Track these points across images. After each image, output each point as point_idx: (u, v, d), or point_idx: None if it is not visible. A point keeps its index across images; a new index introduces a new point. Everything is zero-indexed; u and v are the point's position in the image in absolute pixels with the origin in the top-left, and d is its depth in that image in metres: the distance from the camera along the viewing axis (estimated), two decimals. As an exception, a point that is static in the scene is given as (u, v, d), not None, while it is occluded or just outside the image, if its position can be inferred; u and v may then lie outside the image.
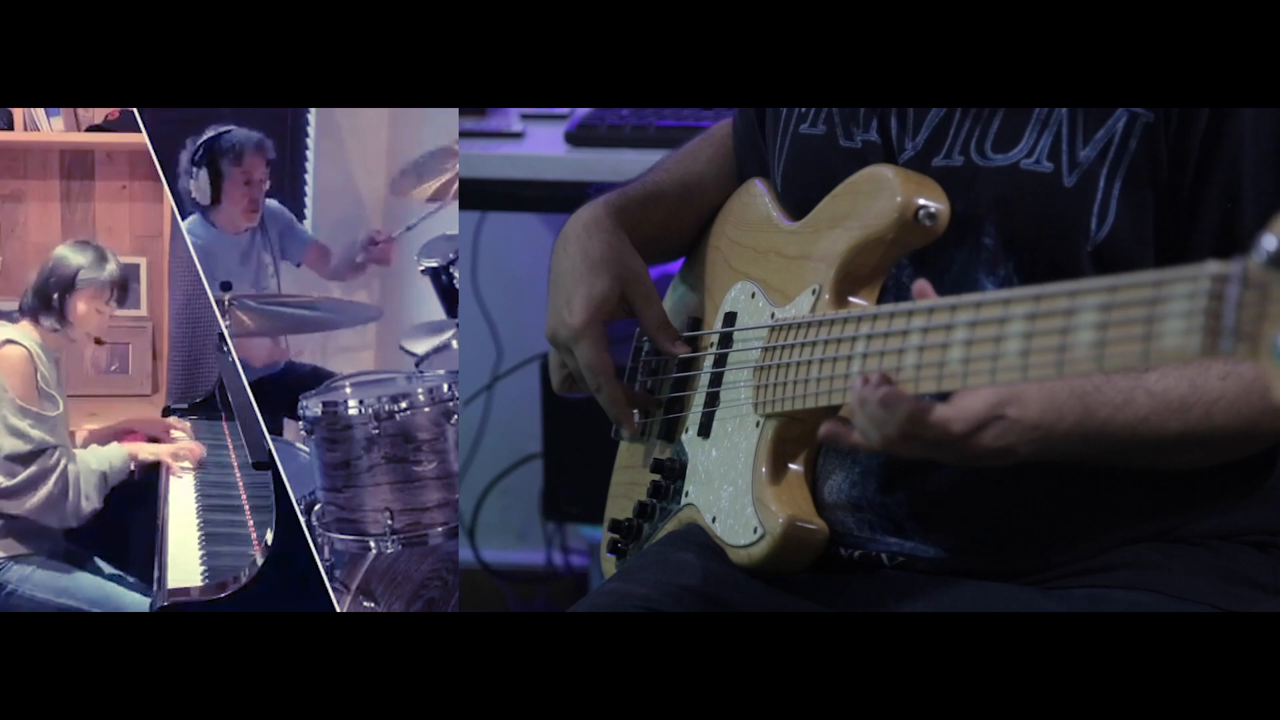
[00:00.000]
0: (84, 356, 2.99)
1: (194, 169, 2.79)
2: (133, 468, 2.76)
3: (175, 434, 2.91)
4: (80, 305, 2.74)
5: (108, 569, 2.75)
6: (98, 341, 2.90)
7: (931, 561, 1.53)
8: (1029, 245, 1.47)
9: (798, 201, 1.61)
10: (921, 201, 1.46)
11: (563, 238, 1.70)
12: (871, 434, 1.36)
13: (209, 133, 2.79)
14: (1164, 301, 1.11)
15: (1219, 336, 1.08)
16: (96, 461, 2.71)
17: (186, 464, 2.81)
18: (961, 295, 1.30)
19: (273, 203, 2.89)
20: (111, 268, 2.78)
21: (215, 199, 2.81)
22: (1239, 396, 1.39)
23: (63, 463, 2.65)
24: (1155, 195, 1.44)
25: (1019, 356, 1.23)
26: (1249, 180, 1.42)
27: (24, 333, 2.72)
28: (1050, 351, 1.20)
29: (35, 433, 2.64)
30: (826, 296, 1.51)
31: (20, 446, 2.63)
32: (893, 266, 1.52)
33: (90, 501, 2.69)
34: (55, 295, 2.72)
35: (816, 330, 1.47)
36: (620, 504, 1.77)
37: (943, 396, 1.35)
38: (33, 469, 2.63)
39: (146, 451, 2.80)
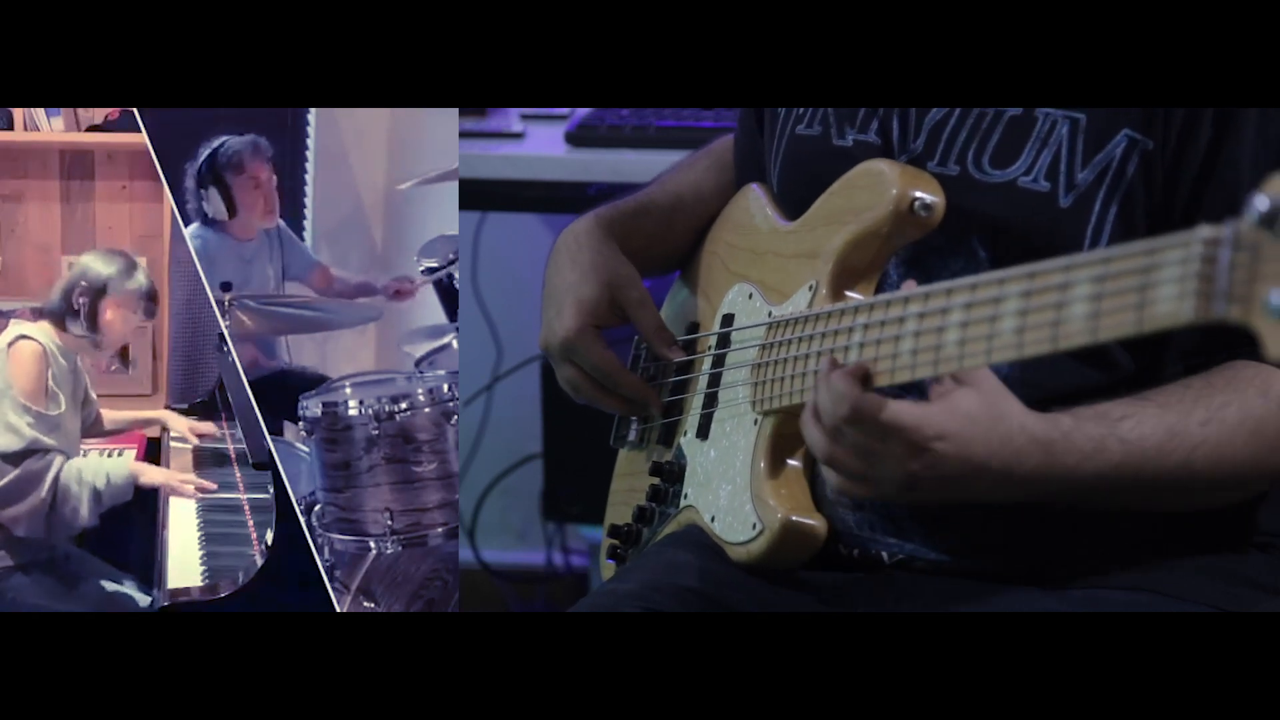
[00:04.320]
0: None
1: (202, 190, 2.78)
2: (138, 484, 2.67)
3: (182, 442, 2.89)
4: (110, 313, 2.71)
5: (110, 575, 2.74)
6: (124, 355, 2.88)
7: (932, 563, 1.53)
8: (1018, 261, 1.47)
9: (794, 202, 1.61)
10: (917, 193, 1.47)
11: (554, 252, 1.72)
12: (815, 436, 1.36)
13: (204, 150, 2.78)
14: (1157, 268, 1.12)
15: (1212, 300, 1.08)
16: (91, 474, 2.63)
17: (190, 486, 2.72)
18: (956, 280, 1.31)
19: (279, 222, 2.88)
20: (140, 278, 2.75)
21: (232, 212, 2.80)
22: (1221, 441, 1.38)
23: (54, 468, 2.60)
24: (1149, 222, 1.45)
25: (1014, 334, 1.24)
26: None
27: (43, 331, 2.69)
28: (1045, 326, 1.21)
29: (30, 432, 2.60)
30: (823, 292, 1.51)
31: (13, 444, 2.59)
32: (888, 262, 1.52)
33: (80, 516, 2.62)
34: (84, 301, 2.69)
35: (813, 324, 1.48)
36: (620, 511, 1.77)
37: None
38: (18, 473, 2.58)
39: (150, 476, 2.70)
